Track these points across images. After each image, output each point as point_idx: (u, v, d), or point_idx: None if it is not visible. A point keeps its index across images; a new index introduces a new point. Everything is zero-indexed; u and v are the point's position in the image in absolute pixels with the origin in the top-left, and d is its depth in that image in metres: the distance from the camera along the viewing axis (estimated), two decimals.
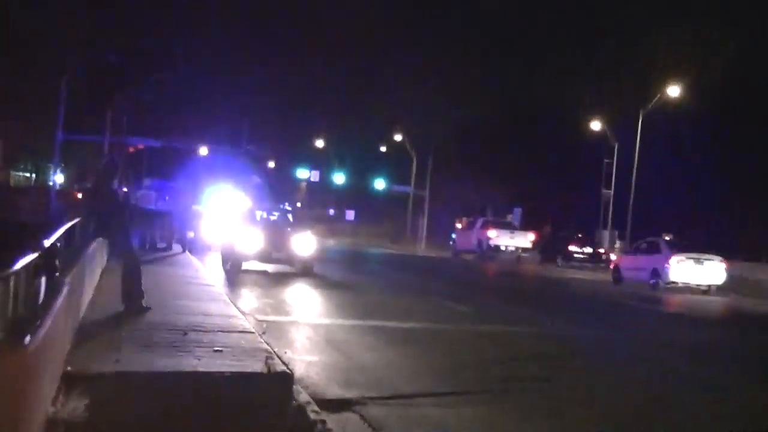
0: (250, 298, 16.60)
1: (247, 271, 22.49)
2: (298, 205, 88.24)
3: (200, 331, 9.83)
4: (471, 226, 59.18)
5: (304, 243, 22.76)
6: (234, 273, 22.08)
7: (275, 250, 22.47)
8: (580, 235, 54.27)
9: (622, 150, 60.08)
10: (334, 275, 23.88)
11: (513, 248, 55.57)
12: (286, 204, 39.99)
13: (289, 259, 22.76)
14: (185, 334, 9.56)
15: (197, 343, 9.00)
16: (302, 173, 78.73)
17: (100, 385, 7.03)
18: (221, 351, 8.62)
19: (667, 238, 33.12)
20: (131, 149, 67.44)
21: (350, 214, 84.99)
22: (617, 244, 58.68)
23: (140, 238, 25.06)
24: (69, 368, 7.13)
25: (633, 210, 57.77)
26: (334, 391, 8.64)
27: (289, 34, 78.62)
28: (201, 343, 9.03)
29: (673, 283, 27.98)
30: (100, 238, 11.94)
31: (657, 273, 28.49)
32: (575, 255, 50.56)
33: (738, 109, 57.76)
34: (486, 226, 57.43)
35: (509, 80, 67.58)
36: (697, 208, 66.32)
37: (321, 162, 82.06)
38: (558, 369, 10.93)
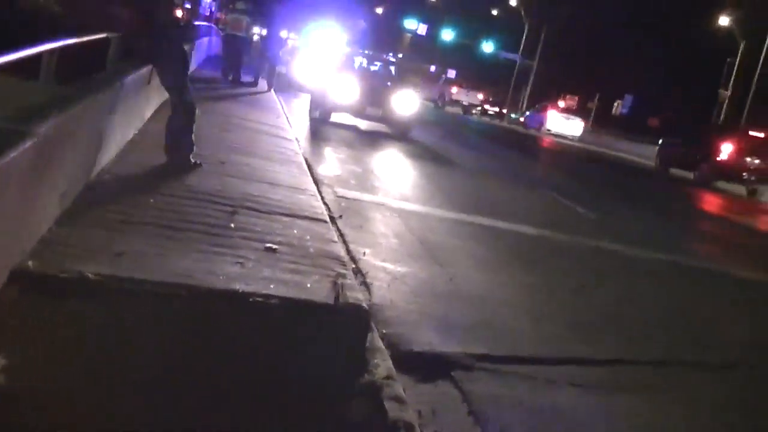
0: (332, 161, 13.92)
1: (336, 124, 19.84)
2: (400, 56, 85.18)
3: (256, 210, 7.22)
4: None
5: (406, 102, 19.91)
6: (321, 123, 19.47)
7: (372, 105, 19.68)
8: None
9: (751, 50, 55.92)
10: (433, 144, 21.00)
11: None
12: (391, 55, 36.76)
13: (385, 118, 19.98)
14: (234, 212, 6.97)
15: (246, 230, 6.41)
16: (410, 24, 75.31)
17: (71, 299, 4.47)
18: (275, 250, 6.02)
19: None
20: None
21: (451, 73, 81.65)
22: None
23: (223, 67, 22.53)
24: (30, 262, 4.57)
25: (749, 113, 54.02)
26: (426, 338, 5.93)
27: None
28: (252, 231, 6.44)
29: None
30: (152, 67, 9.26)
31: None
32: None
33: None
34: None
35: None
36: None
37: (430, 16, 78.82)
38: None
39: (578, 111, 52.62)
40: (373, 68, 22.32)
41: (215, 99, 16.77)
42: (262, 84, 22.41)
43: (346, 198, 10.41)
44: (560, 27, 70.74)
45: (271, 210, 7.38)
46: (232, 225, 6.52)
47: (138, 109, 9.65)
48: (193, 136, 8.55)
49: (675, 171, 29.56)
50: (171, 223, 6.11)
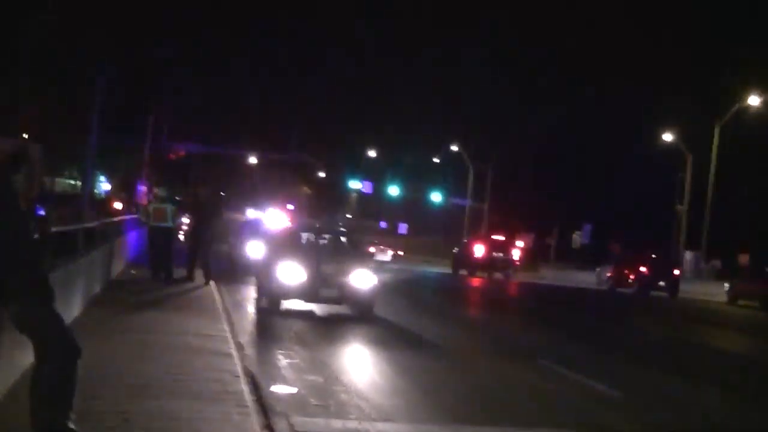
0: (287, 371, 11.09)
1: (287, 313, 17.16)
2: (348, 216, 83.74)
3: None
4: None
5: (362, 276, 17.34)
6: (270, 315, 16.81)
7: (325, 286, 17.09)
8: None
9: (696, 163, 55.11)
10: (399, 320, 18.21)
11: None
12: (338, 222, 34.58)
13: (342, 298, 17.38)
14: None
15: None
16: (354, 184, 74.09)
17: None
18: None
19: None
20: (171, 156, 62.98)
21: (403, 228, 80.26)
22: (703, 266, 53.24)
23: (150, 264, 19.94)
24: None
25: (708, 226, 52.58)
26: None
27: (337, 42, 74.69)
28: None
29: None
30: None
31: None
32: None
33: None
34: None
35: (574, 90, 63.22)
36: None
37: (373, 173, 78.18)
38: None
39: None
40: (322, 242, 19.81)
41: (138, 307, 14.13)
42: (200, 277, 19.79)
43: None
44: (505, 164, 70.17)
45: None
46: None
47: None
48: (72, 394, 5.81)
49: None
50: None
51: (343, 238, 20.18)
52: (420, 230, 77.93)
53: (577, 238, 65.07)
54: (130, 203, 46.62)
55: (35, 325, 5.76)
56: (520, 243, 70.30)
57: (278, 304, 17.34)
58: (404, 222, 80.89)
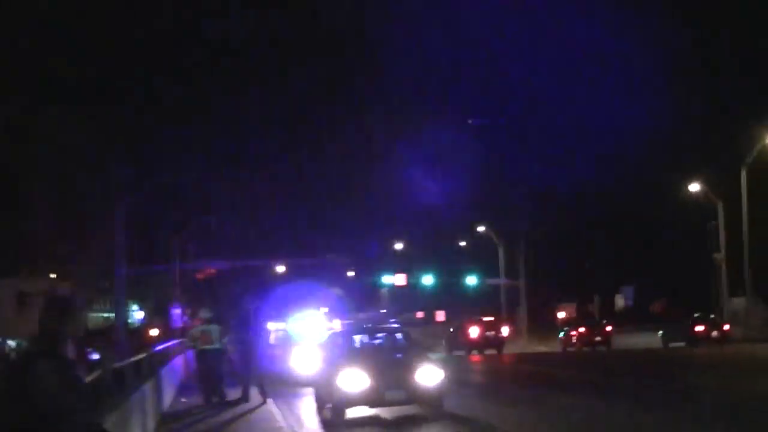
0: None
1: (354, 422, 16.07)
2: (383, 311, 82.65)
3: None
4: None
5: (427, 372, 16.26)
6: (336, 424, 15.74)
7: (390, 388, 16.02)
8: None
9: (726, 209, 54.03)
10: (474, 413, 17.08)
11: None
12: (391, 320, 33.40)
13: (410, 398, 16.29)
14: None
15: None
16: (387, 279, 73.06)
17: None
18: None
19: None
20: (200, 275, 62.36)
21: (440, 315, 79.14)
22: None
23: (202, 390, 18.93)
24: None
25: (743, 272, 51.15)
26: None
27: (354, 140, 75.25)
28: None
29: None
30: None
31: None
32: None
33: None
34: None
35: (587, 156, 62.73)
36: None
37: (403, 265, 77.39)
38: None
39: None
40: (377, 342, 18.74)
41: None
42: (255, 396, 18.71)
43: None
44: (533, 239, 69.36)
45: None
46: None
47: None
48: None
49: None
50: None
51: (399, 335, 19.13)
52: (458, 315, 76.81)
53: (620, 301, 63.72)
54: (167, 329, 45.89)
55: None
56: (561, 314, 69.11)
57: (343, 413, 16.31)
58: (440, 309, 79.93)
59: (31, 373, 4.95)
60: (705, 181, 53.60)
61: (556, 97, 68.42)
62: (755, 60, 57.77)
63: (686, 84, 58.07)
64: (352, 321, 29.07)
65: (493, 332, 47.05)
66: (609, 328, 47.61)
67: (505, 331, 49.53)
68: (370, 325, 21.71)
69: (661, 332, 46.04)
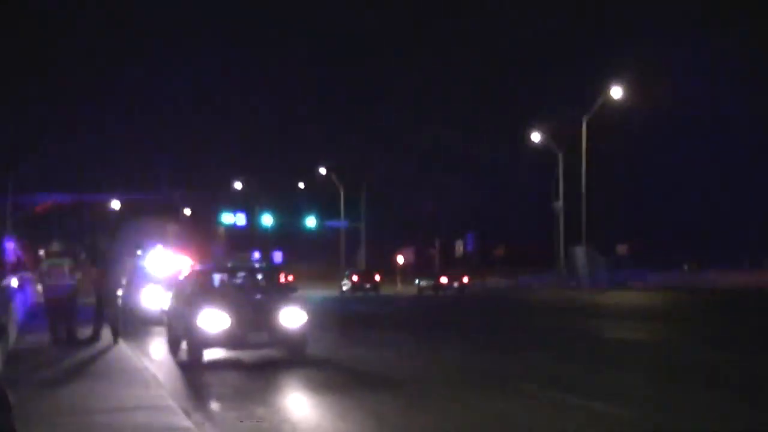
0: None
1: (213, 365, 15.51)
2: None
3: None
4: None
5: (292, 314, 15.78)
6: (197, 369, 15.09)
7: (252, 330, 15.47)
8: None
9: (567, 160, 55.79)
10: (339, 356, 16.81)
11: None
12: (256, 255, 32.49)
13: (272, 341, 15.81)
14: None
15: None
16: (227, 218, 71.97)
17: None
18: None
19: None
20: (38, 208, 59.69)
21: (277, 256, 78.55)
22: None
23: (50, 327, 17.88)
24: None
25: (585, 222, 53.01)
26: None
27: (205, 71, 73.25)
28: None
29: None
30: None
31: None
32: None
33: None
34: None
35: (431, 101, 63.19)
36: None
37: (243, 205, 76.40)
38: None
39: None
40: (238, 281, 18.12)
41: (55, 382, 12.25)
42: (107, 334, 17.84)
43: None
44: (372, 181, 69.75)
45: None
46: None
47: None
48: None
49: None
50: None
51: (259, 275, 18.58)
52: (296, 257, 76.63)
53: (459, 247, 64.88)
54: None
55: None
56: (400, 258, 69.85)
57: (201, 355, 15.62)
58: (278, 250, 79.32)
59: None
60: (548, 130, 55.00)
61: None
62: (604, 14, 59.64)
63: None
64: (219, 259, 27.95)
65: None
66: (378, 278, 56.06)
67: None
68: (230, 264, 20.94)
69: (417, 280, 55.11)
